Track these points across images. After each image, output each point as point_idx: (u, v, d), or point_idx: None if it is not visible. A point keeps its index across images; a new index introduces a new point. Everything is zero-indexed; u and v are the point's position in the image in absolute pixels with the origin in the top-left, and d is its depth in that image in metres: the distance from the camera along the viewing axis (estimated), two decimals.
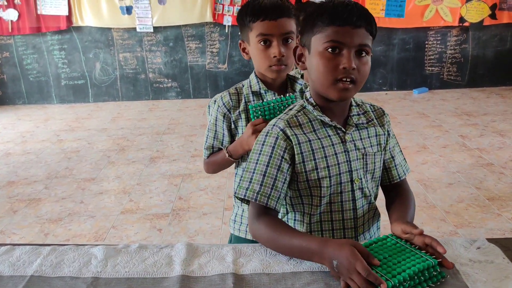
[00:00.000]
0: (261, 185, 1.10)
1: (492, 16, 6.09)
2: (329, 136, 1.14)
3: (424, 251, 1.00)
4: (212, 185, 3.55)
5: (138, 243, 1.17)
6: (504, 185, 3.35)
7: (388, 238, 1.07)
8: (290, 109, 1.20)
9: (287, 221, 1.24)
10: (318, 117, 1.15)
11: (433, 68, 6.39)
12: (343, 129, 1.16)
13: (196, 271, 1.05)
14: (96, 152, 4.45)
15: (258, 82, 1.42)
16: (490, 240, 1.12)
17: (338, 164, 1.14)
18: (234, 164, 1.52)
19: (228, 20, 6.12)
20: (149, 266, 1.07)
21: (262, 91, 1.42)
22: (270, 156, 1.12)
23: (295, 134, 1.13)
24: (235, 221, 1.56)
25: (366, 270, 0.87)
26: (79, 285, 1.01)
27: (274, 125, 1.15)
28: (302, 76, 1.82)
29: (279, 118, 1.17)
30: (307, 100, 1.18)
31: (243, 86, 1.45)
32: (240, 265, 1.06)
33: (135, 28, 6.16)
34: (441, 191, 3.31)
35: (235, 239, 1.56)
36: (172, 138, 4.78)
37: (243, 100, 1.42)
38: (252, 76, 1.44)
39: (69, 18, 6.08)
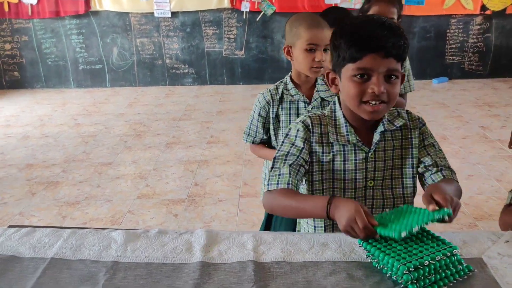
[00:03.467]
0: None
1: None
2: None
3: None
4: (228, 171, 3.54)
5: (157, 228, 1.16)
6: None
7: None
8: None
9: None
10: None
11: (454, 58, 6.25)
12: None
13: (216, 258, 1.04)
14: (113, 136, 4.47)
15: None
16: None
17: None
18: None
19: (246, 6, 6.04)
20: (169, 252, 1.06)
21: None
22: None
23: None
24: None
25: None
26: (99, 268, 1.01)
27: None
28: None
29: None
30: None
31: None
32: (260, 253, 1.05)
33: (153, 13, 6.13)
34: (460, 182, 3.19)
35: None
36: (188, 124, 4.78)
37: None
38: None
39: (87, 2, 6.07)
